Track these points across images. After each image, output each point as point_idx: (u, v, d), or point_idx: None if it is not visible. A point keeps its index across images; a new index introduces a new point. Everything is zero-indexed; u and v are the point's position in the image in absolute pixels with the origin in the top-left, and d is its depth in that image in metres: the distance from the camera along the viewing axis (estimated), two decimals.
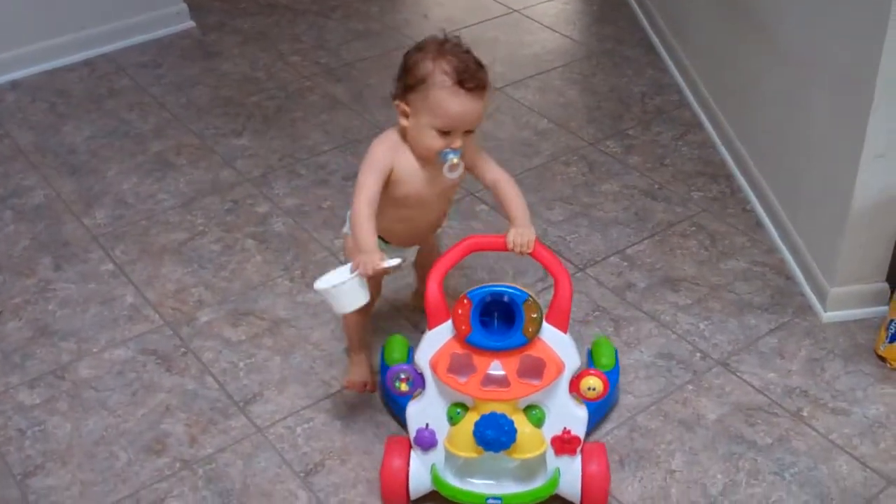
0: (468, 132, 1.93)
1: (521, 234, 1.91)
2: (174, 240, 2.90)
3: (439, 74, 1.88)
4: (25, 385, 2.40)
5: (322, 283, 1.93)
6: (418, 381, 1.94)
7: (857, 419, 2.28)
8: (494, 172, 2.02)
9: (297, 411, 2.32)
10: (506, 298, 1.84)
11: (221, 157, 3.28)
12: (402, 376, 1.93)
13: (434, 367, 1.89)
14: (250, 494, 2.12)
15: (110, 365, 2.46)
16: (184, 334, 2.55)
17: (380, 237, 2.03)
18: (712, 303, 2.62)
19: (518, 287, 1.85)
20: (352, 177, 3.10)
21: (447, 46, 1.92)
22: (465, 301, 1.83)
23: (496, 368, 1.86)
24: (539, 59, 3.81)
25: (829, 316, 2.55)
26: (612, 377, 2.16)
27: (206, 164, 3.24)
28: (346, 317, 2.21)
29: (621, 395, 2.35)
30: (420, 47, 1.94)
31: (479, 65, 1.92)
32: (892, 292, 2.49)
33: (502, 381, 1.86)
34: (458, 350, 1.87)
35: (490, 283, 1.86)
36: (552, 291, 1.94)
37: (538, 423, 1.91)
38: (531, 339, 1.85)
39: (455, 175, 1.93)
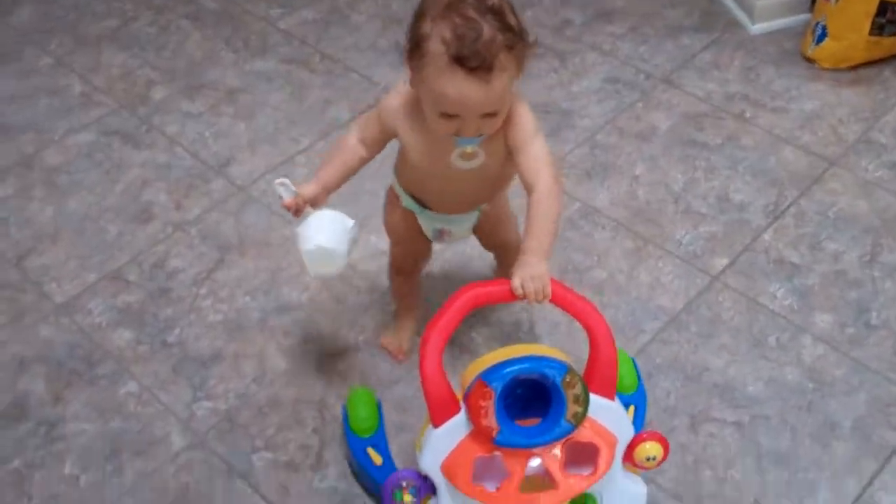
0: (489, 115, 1.41)
1: (533, 277, 1.38)
2: (107, 27, 2.81)
3: (435, 42, 1.34)
4: None
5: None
6: (425, 488, 1.45)
7: (795, 114, 2.44)
8: (532, 173, 1.46)
9: (273, 168, 2.35)
10: (538, 378, 1.36)
11: None
12: (403, 485, 1.45)
13: (451, 476, 1.39)
14: (247, 245, 2.17)
15: (76, 149, 2.43)
16: (142, 113, 2.52)
17: (415, 199, 1.69)
18: (646, 29, 2.71)
19: (551, 357, 1.36)
20: None
21: (464, 1, 1.35)
22: (486, 390, 1.33)
23: (536, 466, 1.38)
24: None
25: (756, 28, 2.67)
26: (639, 401, 1.75)
27: None
28: (391, 277, 1.91)
29: (577, 119, 2.44)
30: None
31: (504, 29, 1.34)
32: None
33: (546, 481, 1.38)
34: (483, 453, 1.38)
35: (512, 357, 1.36)
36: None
37: None
38: (578, 424, 1.37)
39: (467, 166, 1.50)
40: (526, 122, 1.47)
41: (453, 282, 2.04)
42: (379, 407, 1.74)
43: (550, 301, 1.41)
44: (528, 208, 1.44)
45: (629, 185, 2.27)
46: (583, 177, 2.29)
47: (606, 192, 2.26)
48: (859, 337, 1.96)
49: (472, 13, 1.33)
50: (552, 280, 1.41)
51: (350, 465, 1.75)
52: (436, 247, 1.86)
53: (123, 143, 2.44)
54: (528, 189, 1.46)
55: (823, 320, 1.99)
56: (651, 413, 1.84)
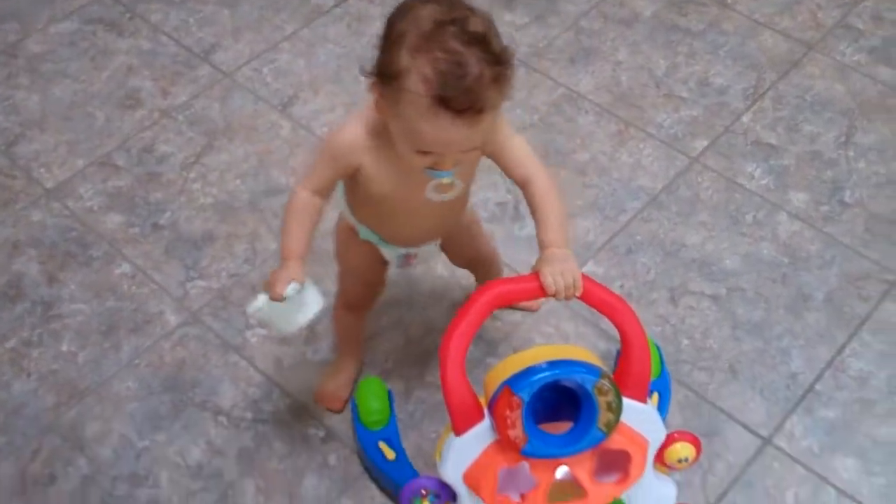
0: (472, 149, 1.27)
1: (563, 272, 1.26)
2: None
3: (415, 80, 1.17)
4: None
5: (253, 307, 1.37)
6: (445, 495, 1.34)
7: (775, 0, 2.44)
8: (525, 167, 1.35)
9: (258, 55, 2.34)
10: (568, 385, 1.25)
11: None
12: (423, 492, 1.34)
13: (475, 486, 1.29)
14: (235, 130, 2.17)
15: (59, 38, 2.40)
16: (125, 1, 2.49)
17: (373, 230, 1.51)
18: None
19: (584, 361, 1.25)
20: None
21: (446, 30, 1.17)
22: (513, 399, 1.22)
23: (564, 475, 1.29)
24: None
25: None
26: (663, 388, 1.68)
27: None
28: (337, 316, 1.71)
29: (562, 4, 2.44)
30: (405, 11, 1.21)
31: (491, 61, 1.18)
32: None
33: (575, 489, 1.29)
34: (509, 464, 1.28)
35: (540, 362, 1.24)
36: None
37: None
38: (611, 432, 1.27)
39: (443, 198, 1.36)
40: (500, 126, 1.33)
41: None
42: (390, 398, 1.64)
43: (580, 297, 1.29)
44: (532, 202, 1.33)
45: (612, 71, 2.28)
46: (567, 62, 2.30)
47: (590, 77, 2.26)
48: (833, 214, 2.00)
49: (455, 45, 1.16)
50: (582, 275, 1.28)
51: (360, 458, 1.66)
52: (391, 276, 1.69)
53: (107, 31, 2.41)
54: (525, 183, 1.35)
55: (799, 199, 2.03)
56: (631, 286, 1.88)
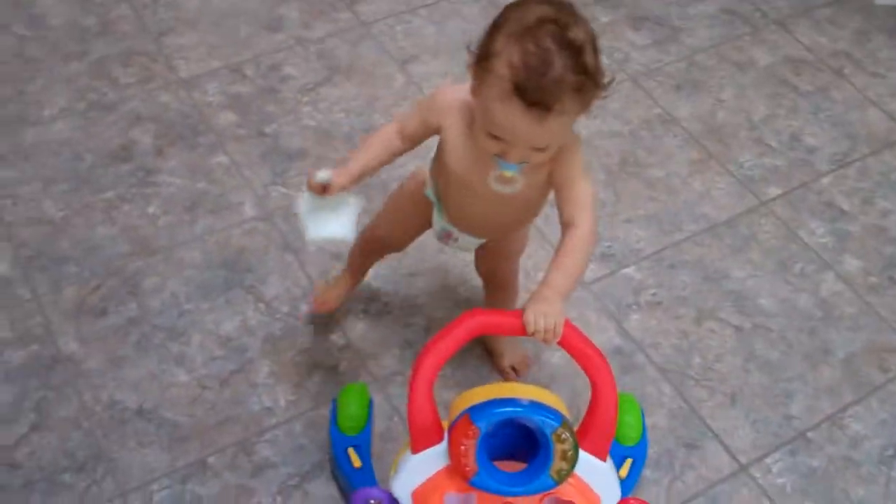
0: (539, 149, 1.29)
1: (546, 314, 1.27)
2: None
3: (502, 64, 1.22)
4: None
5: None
6: None
7: (892, 82, 2.44)
8: (572, 212, 1.35)
9: (396, 14, 2.48)
10: (528, 425, 1.25)
11: None
12: (372, 502, 1.35)
13: None
14: (354, 71, 2.32)
15: None
16: None
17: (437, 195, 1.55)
18: None
19: (548, 406, 1.24)
20: None
21: (546, 27, 1.21)
22: (470, 428, 1.22)
23: None
24: None
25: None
26: (638, 455, 1.64)
27: None
28: (357, 242, 1.73)
29: (684, 36, 2.50)
30: (520, 3, 1.26)
31: (577, 70, 1.22)
32: None
33: None
34: (457, 490, 1.27)
35: (506, 397, 1.25)
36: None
37: None
38: (562, 482, 1.26)
39: (502, 189, 1.34)
40: (576, 160, 1.36)
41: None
42: (370, 407, 1.65)
43: (559, 344, 1.29)
44: (563, 243, 1.34)
45: (712, 105, 2.33)
46: (671, 88, 2.36)
47: (689, 107, 2.32)
48: (880, 287, 2.01)
49: (548, 43, 1.20)
50: (567, 322, 1.28)
51: (329, 458, 1.66)
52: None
53: None
54: (568, 225, 1.35)
55: (851, 264, 2.04)
56: (663, 296, 1.94)
